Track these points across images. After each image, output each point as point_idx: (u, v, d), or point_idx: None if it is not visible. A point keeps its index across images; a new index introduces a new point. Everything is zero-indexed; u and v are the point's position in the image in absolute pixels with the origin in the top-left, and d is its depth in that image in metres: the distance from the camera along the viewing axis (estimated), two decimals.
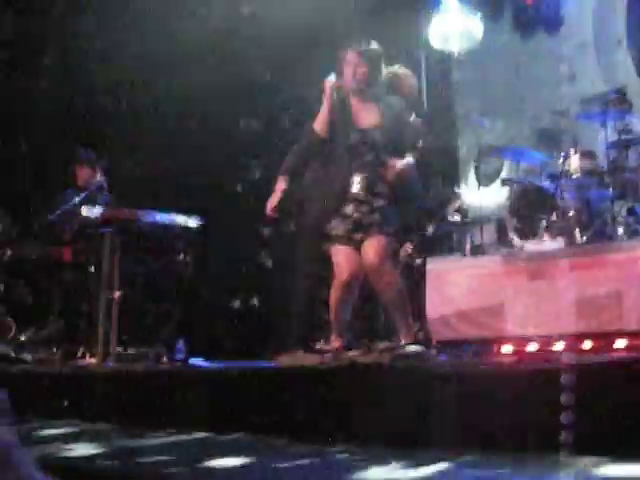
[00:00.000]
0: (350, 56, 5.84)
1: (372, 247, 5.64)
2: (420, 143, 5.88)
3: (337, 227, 5.76)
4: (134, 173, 10.30)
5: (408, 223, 8.08)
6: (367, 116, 5.86)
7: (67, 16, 10.42)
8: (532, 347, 6.93)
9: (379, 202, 5.70)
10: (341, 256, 5.75)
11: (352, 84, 5.83)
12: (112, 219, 7.38)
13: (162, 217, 7.40)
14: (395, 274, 5.75)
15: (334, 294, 5.80)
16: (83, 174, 8.70)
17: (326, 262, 5.93)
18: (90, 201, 8.27)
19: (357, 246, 5.72)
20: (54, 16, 10.33)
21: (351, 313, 5.86)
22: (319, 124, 5.85)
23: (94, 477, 3.78)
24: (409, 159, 5.72)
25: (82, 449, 4.44)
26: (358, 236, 5.69)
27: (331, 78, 5.79)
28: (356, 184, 5.74)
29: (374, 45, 5.85)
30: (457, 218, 8.90)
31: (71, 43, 10.51)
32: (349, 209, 5.74)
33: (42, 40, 10.39)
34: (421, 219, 8.09)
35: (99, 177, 8.61)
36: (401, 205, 5.80)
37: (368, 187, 5.72)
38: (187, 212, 7.58)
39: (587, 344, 6.65)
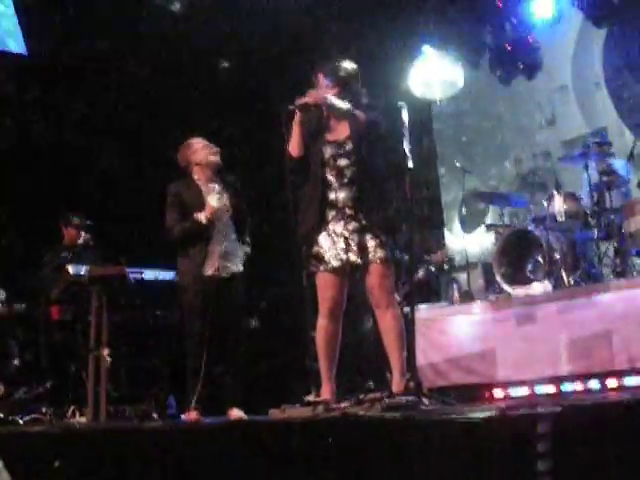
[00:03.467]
0: (321, 79, 5.88)
1: (375, 281, 5.59)
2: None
3: (326, 248, 5.68)
4: (120, 230, 10.28)
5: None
6: (341, 129, 5.86)
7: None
8: (523, 392, 6.93)
9: (367, 220, 5.62)
10: (327, 282, 5.69)
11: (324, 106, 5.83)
12: (99, 277, 7.36)
13: (149, 273, 7.39)
14: (399, 311, 5.74)
15: (319, 326, 5.74)
16: (70, 233, 8.70)
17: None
18: (77, 259, 8.28)
19: (345, 270, 5.67)
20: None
21: (338, 361, 5.83)
22: (293, 148, 5.86)
23: None
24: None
25: None
26: (352, 257, 5.61)
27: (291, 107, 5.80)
28: (340, 199, 5.71)
29: (346, 64, 5.87)
30: (443, 264, 8.94)
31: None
32: (338, 227, 5.67)
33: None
34: (408, 267, 8.09)
35: (85, 235, 8.63)
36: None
37: (352, 201, 5.67)
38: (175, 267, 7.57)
39: (578, 386, 6.66)
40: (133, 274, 7.25)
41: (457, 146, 11.55)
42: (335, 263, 5.65)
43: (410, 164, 5.60)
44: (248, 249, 7.02)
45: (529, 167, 10.80)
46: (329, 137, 5.86)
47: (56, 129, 10.42)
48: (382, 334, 5.70)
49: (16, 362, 8.45)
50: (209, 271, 6.75)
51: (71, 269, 7.75)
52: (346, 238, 5.64)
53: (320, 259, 5.70)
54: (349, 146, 5.75)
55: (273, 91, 9.76)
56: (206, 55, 10.79)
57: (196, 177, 7.02)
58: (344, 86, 5.80)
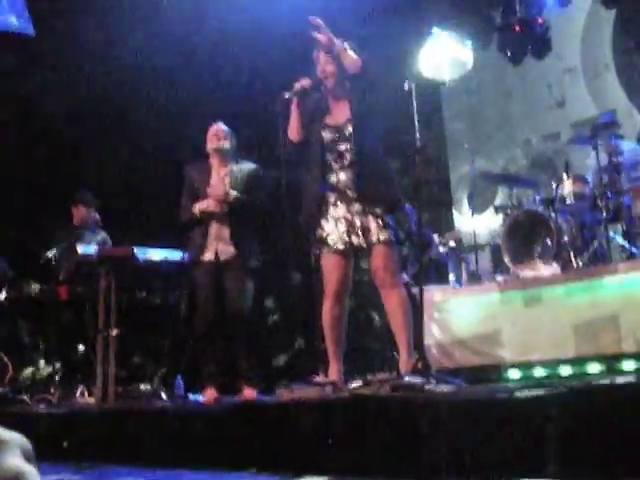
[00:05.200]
0: (317, 56, 5.89)
1: (378, 262, 5.61)
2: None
3: (325, 230, 5.73)
4: (129, 209, 10.30)
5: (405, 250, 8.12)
6: (340, 112, 5.88)
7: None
8: (530, 373, 6.93)
9: (369, 203, 5.64)
10: (331, 264, 5.75)
11: (323, 82, 5.86)
12: (108, 257, 7.37)
13: (157, 253, 7.40)
14: (404, 291, 5.74)
15: (325, 308, 5.79)
16: (79, 213, 8.71)
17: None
18: (86, 239, 8.29)
19: (350, 252, 5.73)
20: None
21: (347, 342, 5.86)
22: (292, 133, 5.90)
23: None
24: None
25: None
26: (355, 239, 5.65)
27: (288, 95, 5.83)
28: (341, 181, 5.74)
29: (345, 44, 5.86)
30: (452, 245, 8.92)
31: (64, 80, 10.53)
32: (340, 211, 5.71)
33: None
34: (417, 248, 8.09)
35: (94, 215, 8.66)
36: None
37: (354, 184, 5.69)
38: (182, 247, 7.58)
39: (586, 368, 6.66)
40: (141, 254, 7.26)
41: (466, 127, 11.52)
42: (339, 246, 5.70)
43: (419, 144, 5.61)
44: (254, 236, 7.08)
45: (538, 149, 10.77)
46: (328, 121, 5.87)
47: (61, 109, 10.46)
48: (388, 315, 5.72)
49: (25, 342, 8.49)
50: (207, 255, 6.88)
51: (80, 249, 7.77)
52: (348, 221, 5.67)
53: (324, 242, 5.75)
54: (349, 129, 5.77)
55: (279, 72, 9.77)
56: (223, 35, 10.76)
57: (212, 162, 7.16)
58: (340, 62, 5.80)
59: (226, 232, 6.89)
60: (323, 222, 5.74)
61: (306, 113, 5.89)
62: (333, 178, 5.75)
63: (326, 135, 5.81)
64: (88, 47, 10.36)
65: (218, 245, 6.87)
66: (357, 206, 5.65)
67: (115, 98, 10.61)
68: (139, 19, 10.38)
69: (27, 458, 1.31)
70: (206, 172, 7.09)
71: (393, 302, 5.65)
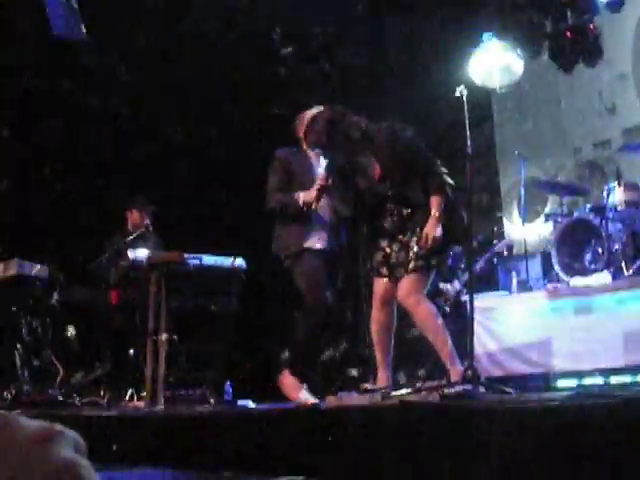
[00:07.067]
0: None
1: (402, 287, 5.81)
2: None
3: (374, 259, 5.98)
4: (181, 215, 10.38)
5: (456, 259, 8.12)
6: (372, 172, 5.97)
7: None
8: (581, 382, 6.89)
9: (407, 238, 5.84)
10: (376, 285, 5.99)
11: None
12: (158, 262, 7.42)
13: (208, 259, 7.43)
14: (427, 306, 5.83)
15: (373, 318, 6.01)
16: (133, 218, 8.81)
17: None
18: (137, 244, 8.36)
19: (389, 278, 5.92)
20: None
21: (395, 350, 5.94)
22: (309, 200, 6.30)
23: None
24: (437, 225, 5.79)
25: None
26: (385, 271, 5.90)
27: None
28: (388, 222, 5.93)
29: (316, 119, 5.96)
30: (503, 253, 8.89)
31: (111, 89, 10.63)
32: (384, 243, 5.94)
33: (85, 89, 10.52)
34: (468, 256, 8.07)
35: (147, 221, 8.70)
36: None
37: (398, 227, 5.89)
38: (239, 254, 7.61)
39: (637, 377, 6.60)
40: (192, 260, 7.30)
41: (516, 134, 11.47)
42: (378, 272, 5.98)
43: (469, 151, 5.61)
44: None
45: (589, 156, 10.69)
46: (363, 185, 5.95)
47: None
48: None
49: (76, 346, 8.57)
50: (317, 243, 6.72)
51: (130, 254, 7.84)
52: (386, 255, 5.94)
53: (371, 266, 6.07)
54: (384, 186, 5.94)
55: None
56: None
57: (306, 149, 6.86)
58: (328, 139, 5.84)
59: (328, 221, 6.77)
60: (375, 252, 6.02)
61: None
62: (379, 223, 6.02)
63: (367, 198, 6.04)
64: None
65: (321, 234, 6.74)
66: (397, 244, 5.92)
67: (169, 109, 10.70)
68: None
69: (81, 454, 1.33)
70: (305, 159, 6.85)
71: (418, 319, 5.85)
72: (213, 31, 10.47)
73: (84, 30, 7.97)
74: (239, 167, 10.67)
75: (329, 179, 6.09)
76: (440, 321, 5.78)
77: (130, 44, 10.35)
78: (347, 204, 6.15)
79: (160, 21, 10.36)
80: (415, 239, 5.74)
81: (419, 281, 5.80)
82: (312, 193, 6.49)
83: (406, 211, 5.87)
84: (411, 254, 5.75)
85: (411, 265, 5.75)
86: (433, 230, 5.67)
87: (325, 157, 6.07)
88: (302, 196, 6.57)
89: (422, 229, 5.73)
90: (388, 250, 5.88)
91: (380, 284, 5.93)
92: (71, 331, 8.54)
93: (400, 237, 5.86)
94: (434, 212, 5.70)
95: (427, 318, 5.75)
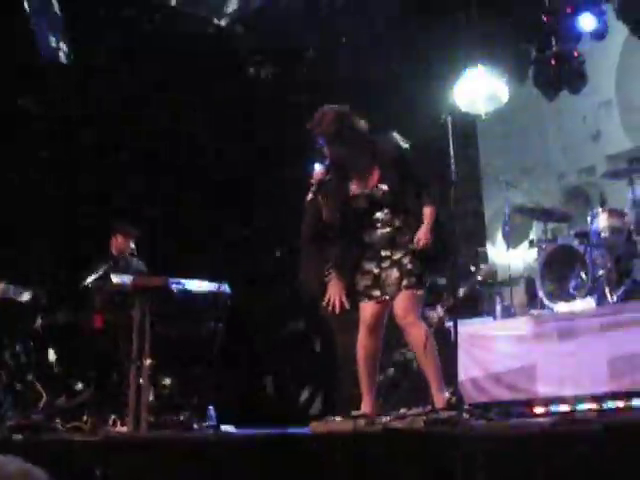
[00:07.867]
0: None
1: (399, 305, 5.70)
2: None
3: (359, 283, 5.86)
4: (166, 241, 10.37)
5: (440, 283, 8.11)
6: (370, 178, 5.91)
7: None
8: (565, 408, 6.89)
9: (398, 255, 5.74)
10: (363, 311, 5.85)
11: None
12: (142, 287, 7.40)
13: (192, 284, 7.42)
14: (424, 327, 5.76)
15: (359, 343, 5.88)
16: (117, 243, 8.80)
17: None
18: (122, 269, 8.34)
19: (377, 301, 5.80)
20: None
21: (382, 378, 5.89)
22: (327, 218, 6.00)
23: None
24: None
25: None
26: (376, 292, 5.78)
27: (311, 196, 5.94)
28: (376, 241, 5.83)
29: (325, 118, 5.83)
30: (487, 279, 8.90)
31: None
32: (370, 265, 5.82)
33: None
34: (452, 281, 8.08)
35: (132, 246, 8.71)
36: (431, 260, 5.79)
37: (388, 241, 5.80)
38: (221, 279, 7.60)
39: (621, 403, 6.61)
40: (176, 285, 7.29)
41: (501, 160, 11.51)
42: (368, 296, 5.85)
43: (454, 177, 5.63)
44: None
45: (573, 182, 10.74)
46: (357, 190, 5.90)
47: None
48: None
49: (59, 370, 8.53)
50: None
51: (114, 278, 7.81)
52: (376, 276, 5.82)
53: (356, 292, 5.91)
54: (380, 192, 5.83)
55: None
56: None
57: None
58: (335, 130, 5.82)
59: None
60: (357, 277, 5.90)
61: (334, 198, 5.98)
62: (367, 238, 5.89)
63: (359, 204, 5.93)
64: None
65: None
66: (387, 262, 5.80)
67: (158, 129, 10.70)
68: None
69: None
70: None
71: (413, 339, 5.74)
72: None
73: (68, 54, 7.98)
74: (230, 191, 10.73)
75: (327, 175, 5.99)
76: (434, 344, 5.73)
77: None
78: (332, 207, 5.99)
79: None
80: (409, 257, 5.70)
81: (415, 297, 5.72)
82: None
83: (398, 222, 5.81)
84: (404, 270, 5.69)
85: (404, 282, 5.66)
86: (426, 235, 5.65)
87: (329, 148, 5.93)
88: None
89: (413, 240, 5.69)
90: (376, 271, 5.78)
91: (368, 309, 5.82)
92: (52, 355, 8.49)
93: (389, 254, 5.80)
94: (427, 222, 5.68)
95: (423, 340, 5.69)
